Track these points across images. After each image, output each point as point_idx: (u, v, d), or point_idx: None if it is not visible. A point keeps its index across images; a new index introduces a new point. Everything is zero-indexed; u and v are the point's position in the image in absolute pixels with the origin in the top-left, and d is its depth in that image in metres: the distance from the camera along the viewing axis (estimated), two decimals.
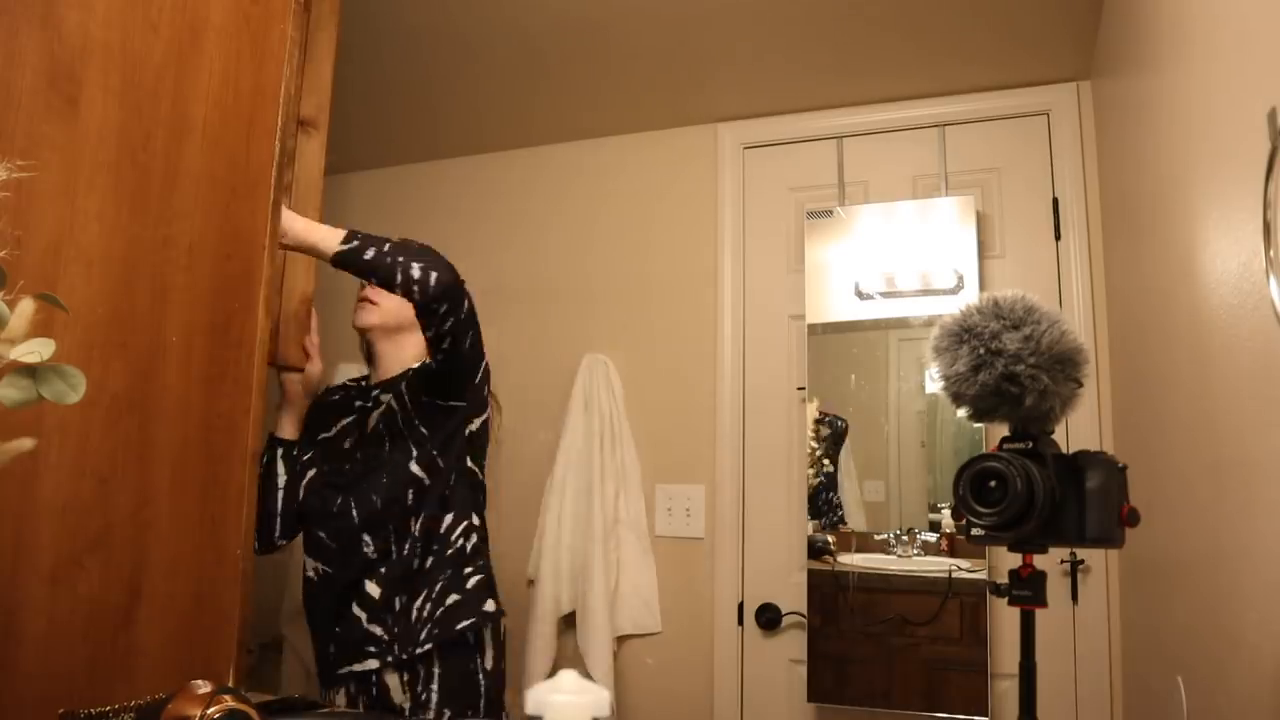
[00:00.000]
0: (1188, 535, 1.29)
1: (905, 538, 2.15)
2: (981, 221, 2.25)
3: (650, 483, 2.48)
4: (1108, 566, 2.07)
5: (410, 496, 1.50)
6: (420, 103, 2.53)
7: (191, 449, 1.23)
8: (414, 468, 1.51)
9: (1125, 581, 2.00)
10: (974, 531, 1.02)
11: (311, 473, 1.60)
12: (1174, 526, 1.35)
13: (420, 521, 1.49)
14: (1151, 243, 1.53)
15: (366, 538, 1.49)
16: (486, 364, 1.63)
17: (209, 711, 0.90)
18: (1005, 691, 2.05)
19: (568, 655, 2.42)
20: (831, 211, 2.34)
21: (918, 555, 2.14)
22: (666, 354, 2.55)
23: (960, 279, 2.18)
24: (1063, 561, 2.06)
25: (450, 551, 1.50)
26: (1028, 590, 1.03)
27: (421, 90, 2.45)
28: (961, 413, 1.12)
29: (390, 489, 1.50)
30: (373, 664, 1.45)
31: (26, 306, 0.68)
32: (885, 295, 2.25)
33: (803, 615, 2.19)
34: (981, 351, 1.03)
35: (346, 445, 1.60)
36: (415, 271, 1.39)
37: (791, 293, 2.40)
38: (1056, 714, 2.02)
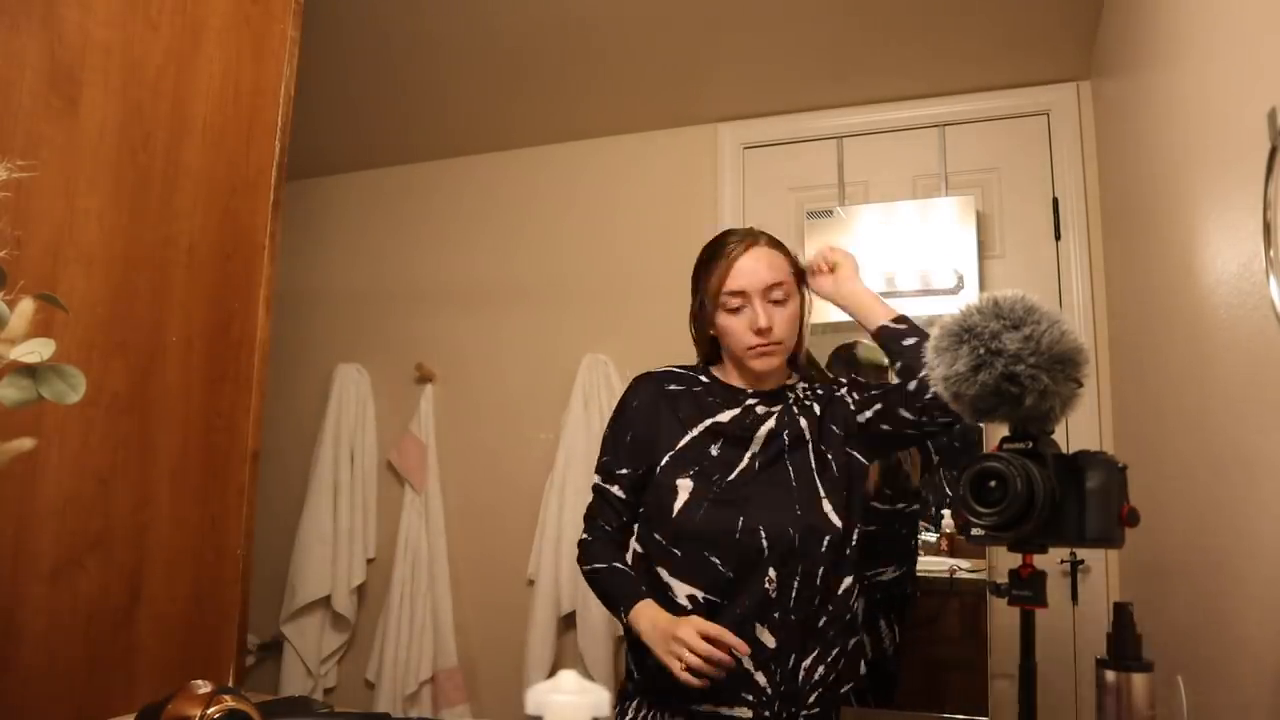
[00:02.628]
0: (1188, 535, 1.29)
1: None
2: (981, 221, 2.25)
3: None
4: (1108, 566, 2.07)
5: (825, 543, 1.31)
6: (419, 103, 2.53)
7: (191, 449, 1.23)
8: (827, 508, 1.33)
9: (1125, 581, 2.00)
10: (974, 531, 1.02)
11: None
12: (1174, 526, 1.35)
13: (824, 574, 1.30)
14: (1151, 243, 1.53)
15: (771, 573, 1.27)
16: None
17: (209, 711, 0.90)
18: (1005, 691, 2.05)
19: (568, 655, 2.42)
20: (831, 211, 2.34)
21: (923, 556, 2.13)
22: (667, 354, 2.53)
23: (960, 279, 2.17)
24: (1063, 561, 2.06)
25: (849, 616, 1.33)
26: (1028, 590, 1.03)
27: (421, 91, 2.45)
28: (961, 413, 1.12)
29: (805, 520, 1.32)
30: (744, 713, 1.25)
31: (26, 306, 0.68)
32: (885, 295, 2.23)
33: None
34: (981, 351, 1.02)
35: (715, 451, 1.39)
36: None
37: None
38: (1056, 714, 2.02)
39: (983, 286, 2.18)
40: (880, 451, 1.43)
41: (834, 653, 1.29)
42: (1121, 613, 0.91)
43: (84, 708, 1.07)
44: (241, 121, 1.32)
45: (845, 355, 2.24)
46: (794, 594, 1.26)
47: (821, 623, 1.28)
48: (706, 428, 1.36)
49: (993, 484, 1.00)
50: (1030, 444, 1.04)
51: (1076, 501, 1.01)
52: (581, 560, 1.38)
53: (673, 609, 1.28)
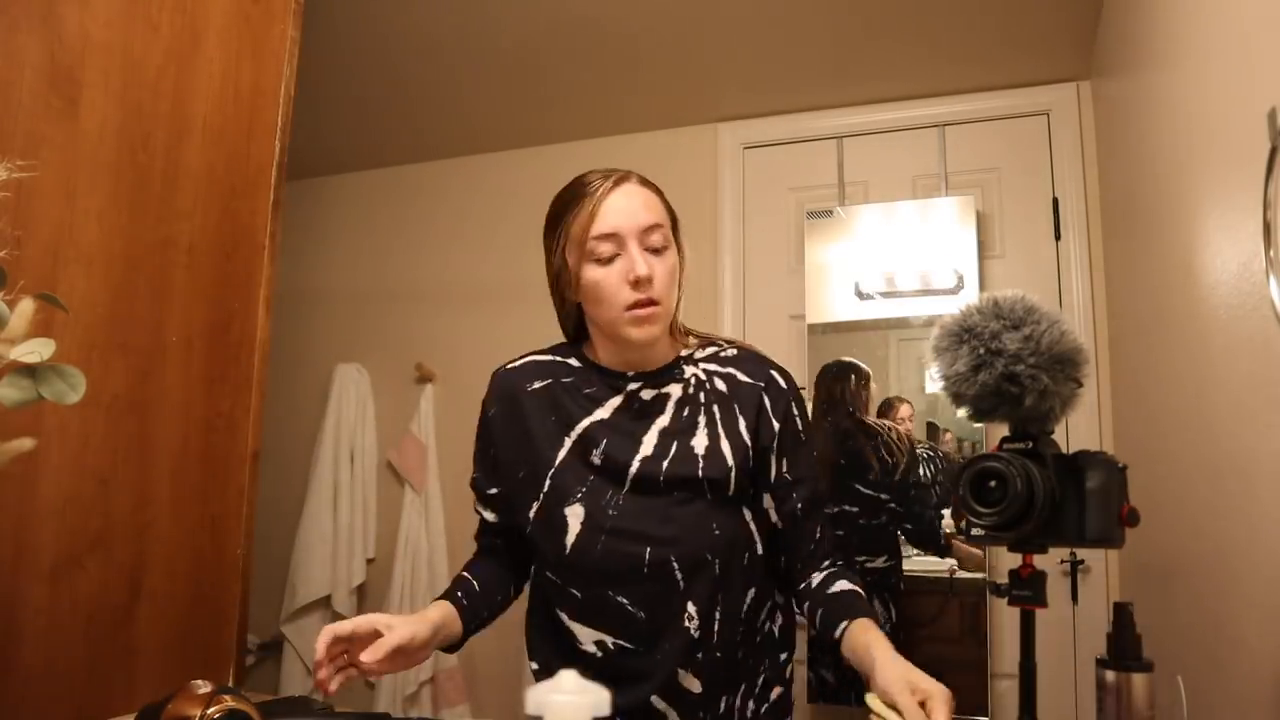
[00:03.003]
0: (1188, 535, 1.29)
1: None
2: (981, 221, 2.25)
3: None
4: (1108, 566, 2.07)
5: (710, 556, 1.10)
6: (419, 103, 2.53)
7: (191, 449, 1.23)
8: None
9: (1125, 581, 2.00)
10: (974, 531, 1.02)
11: None
12: (1174, 526, 1.35)
13: (725, 595, 1.12)
14: (1151, 243, 1.53)
15: (691, 608, 1.09)
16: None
17: (209, 711, 0.89)
18: (1005, 691, 2.05)
19: None
20: (831, 211, 2.34)
21: (918, 555, 2.13)
22: None
23: (960, 279, 2.17)
24: (1063, 561, 2.06)
25: (760, 638, 1.15)
26: (1028, 590, 1.03)
27: (421, 91, 2.45)
28: (961, 413, 1.12)
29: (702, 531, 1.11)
30: None
31: (26, 306, 0.68)
32: (885, 295, 2.25)
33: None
34: (981, 351, 1.02)
35: (596, 458, 1.14)
36: None
37: (791, 293, 2.40)
38: (1056, 714, 2.02)
39: (983, 286, 2.18)
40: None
41: (759, 682, 1.13)
42: (1121, 613, 0.91)
43: (84, 707, 1.07)
44: (241, 121, 1.32)
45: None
46: (716, 629, 1.07)
47: (740, 654, 1.10)
48: (584, 430, 1.10)
49: (993, 484, 1.00)
50: (1030, 444, 1.04)
51: (1076, 501, 1.01)
52: None
53: (578, 660, 1.08)
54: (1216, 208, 1.06)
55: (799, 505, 1.12)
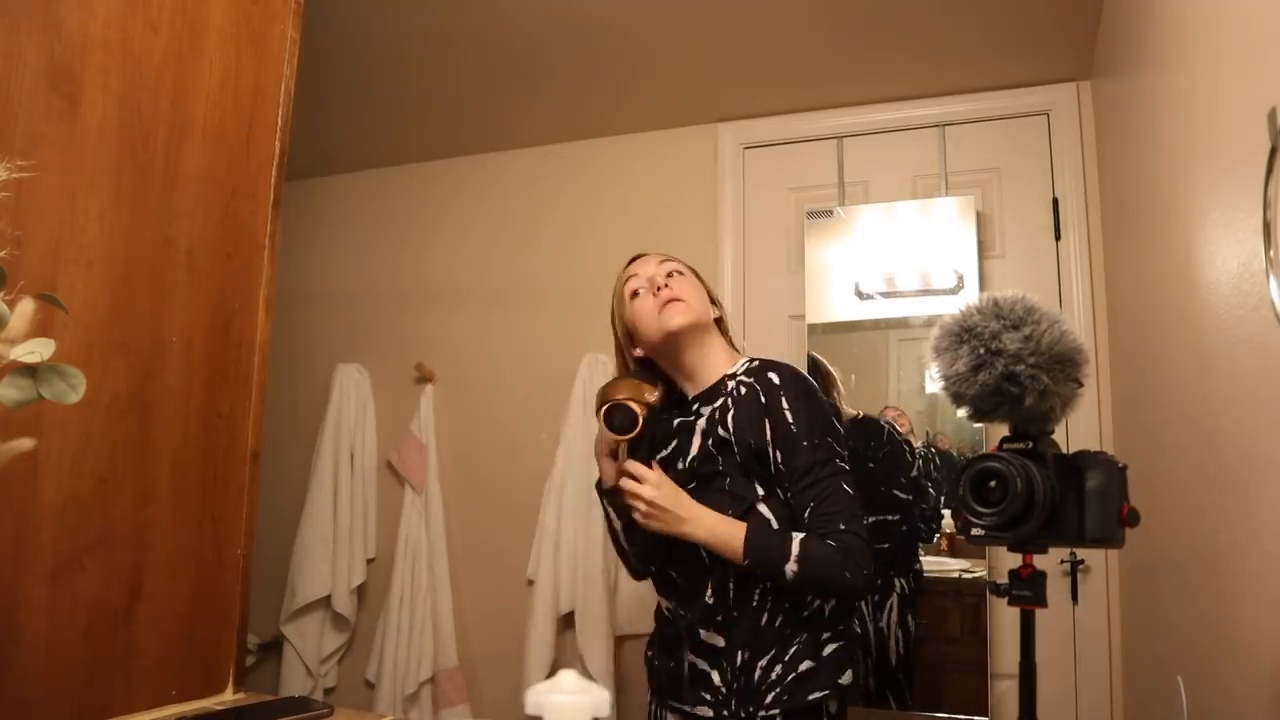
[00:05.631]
0: (1188, 535, 1.29)
1: None
2: (981, 221, 2.25)
3: None
4: (1108, 566, 2.07)
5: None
6: (419, 103, 2.53)
7: (191, 449, 1.23)
8: (762, 508, 1.30)
9: (1125, 581, 2.00)
10: (974, 531, 1.02)
11: None
12: (1174, 526, 1.35)
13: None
14: (1151, 243, 1.53)
15: (713, 583, 1.31)
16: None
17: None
18: (1005, 691, 2.05)
19: (567, 655, 2.42)
20: (831, 211, 2.34)
21: (930, 557, 2.13)
22: None
23: (960, 279, 2.17)
24: (1063, 561, 2.06)
25: (808, 613, 1.30)
26: (1028, 590, 1.03)
27: (421, 91, 2.45)
28: (962, 413, 1.12)
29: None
30: (705, 712, 1.29)
31: (26, 306, 0.68)
32: (885, 295, 2.25)
33: None
34: (981, 351, 1.03)
35: (680, 467, 1.39)
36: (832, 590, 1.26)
37: (791, 293, 2.40)
38: (1056, 714, 2.02)
39: (983, 286, 2.18)
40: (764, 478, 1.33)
41: (792, 651, 1.28)
42: None
43: (84, 707, 1.07)
44: (241, 121, 1.32)
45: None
46: (732, 594, 1.30)
47: (778, 621, 1.29)
48: (673, 444, 1.43)
49: (993, 484, 1.00)
50: (1030, 444, 1.04)
51: (1076, 501, 1.01)
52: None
53: (661, 619, 1.43)
54: (1216, 208, 1.06)
55: (793, 491, 1.30)
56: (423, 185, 2.91)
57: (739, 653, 1.29)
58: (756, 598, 1.30)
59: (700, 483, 1.35)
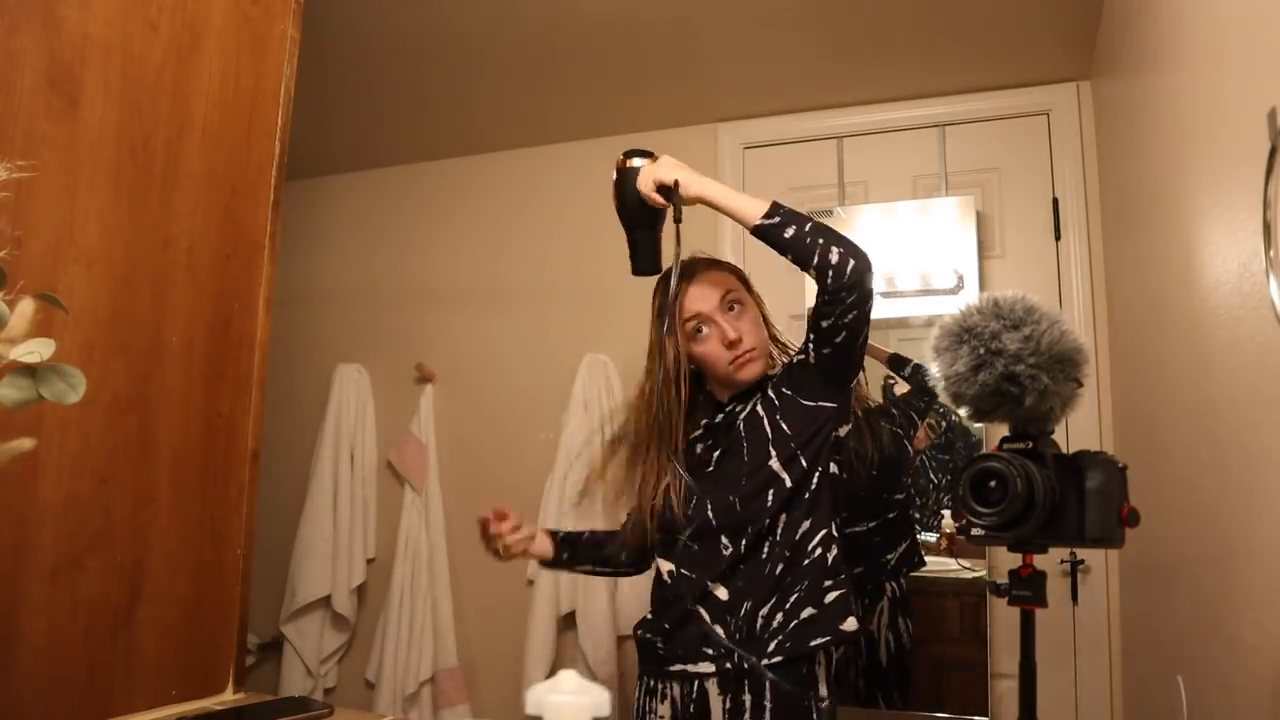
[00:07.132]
0: (1188, 535, 1.29)
1: None
2: (981, 221, 2.25)
3: None
4: (1108, 566, 2.07)
5: (770, 497, 1.34)
6: (419, 103, 2.53)
7: (191, 449, 1.23)
8: (774, 465, 1.35)
9: (1125, 581, 2.00)
10: (974, 531, 1.02)
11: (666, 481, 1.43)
12: (1174, 526, 1.35)
13: (781, 525, 1.34)
14: (1151, 243, 1.53)
15: (724, 539, 1.35)
16: (862, 374, 1.46)
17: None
18: (1005, 691, 2.05)
19: (568, 655, 2.42)
20: (831, 211, 2.34)
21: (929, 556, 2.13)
22: None
23: (960, 279, 2.17)
24: (1063, 561, 2.06)
25: (808, 561, 1.34)
26: (1028, 590, 1.03)
27: (421, 91, 2.45)
28: (962, 413, 1.12)
29: (749, 487, 1.35)
30: (706, 667, 1.32)
31: (26, 306, 0.68)
32: (885, 295, 2.25)
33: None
34: (982, 351, 1.03)
35: (699, 451, 1.45)
36: (834, 256, 1.28)
37: (792, 293, 2.40)
38: (1056, 714, 2.02)
39: (983, 286, 2.18)
40: (843, 373, 1.40)
41: (793, 599, 1.30)
42: None
43: (84, 707, 1.07)
44: (241, 121, 1.32)
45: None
46: (744, 549, 1.32)
47: (779, 569, 1.31)
48: (696, 435, 1.46)
49: (993, 484, 1.01)
50: (1030, 444, 1.04)
51: (1076, 501, 1.01)
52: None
53: (661, 584, 1.42)
54: (1216, 207, 1.06)
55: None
56: (422, 186, 2.91)
57: (744, 604, 1.31)
58: (766, 550, 1.32)
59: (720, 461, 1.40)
